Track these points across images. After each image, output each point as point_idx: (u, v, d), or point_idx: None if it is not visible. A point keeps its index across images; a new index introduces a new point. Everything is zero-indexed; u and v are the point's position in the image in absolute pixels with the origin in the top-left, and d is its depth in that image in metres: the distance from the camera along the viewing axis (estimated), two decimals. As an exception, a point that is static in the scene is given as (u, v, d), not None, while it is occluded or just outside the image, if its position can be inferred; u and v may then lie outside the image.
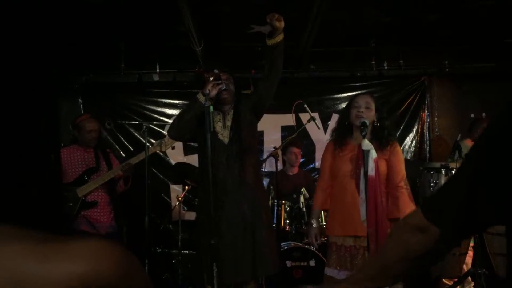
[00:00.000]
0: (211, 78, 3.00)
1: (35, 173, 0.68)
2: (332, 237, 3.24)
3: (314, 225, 3.39)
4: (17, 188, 0.64)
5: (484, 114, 6.16)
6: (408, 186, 3.13)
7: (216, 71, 3.04)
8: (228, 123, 3.16)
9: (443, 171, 4.37)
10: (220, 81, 3.02)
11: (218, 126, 3.13)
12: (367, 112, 3.10)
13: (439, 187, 1.81)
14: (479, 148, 0.97)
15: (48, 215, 0.70)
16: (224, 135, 3.12)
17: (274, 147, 5.08)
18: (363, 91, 6.19)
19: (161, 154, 5.72)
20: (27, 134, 0.69)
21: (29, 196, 0.67)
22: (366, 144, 2.95)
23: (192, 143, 5.29)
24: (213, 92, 2.99)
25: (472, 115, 6.19)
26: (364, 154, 2.94)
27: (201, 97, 3.03)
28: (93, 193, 4.06)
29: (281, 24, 2.95)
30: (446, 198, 1.01)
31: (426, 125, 6.34)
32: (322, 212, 4.12)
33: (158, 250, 5.22)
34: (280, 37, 3.00)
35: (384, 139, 3.11)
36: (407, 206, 3.02)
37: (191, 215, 5.63)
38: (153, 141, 5.80)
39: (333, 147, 3.28)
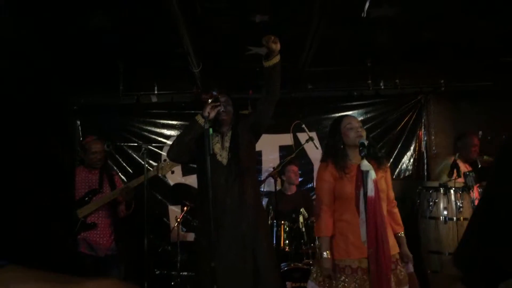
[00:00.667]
0: (210, 100, 3.01)
1: (52, 218, 0.69)
2: (346, 261, 3.06)
3: (326, 255, 3.03)
4: (31, 229, 0.65)
5: (480, 132, 6.18)
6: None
7: (214, 92, 3.05)
8: (227, 144, 3.17)
9: (441, 190, 4.38)
10: (218, 103, 3.04)
11: (217, 147, 3.14)
12: (363, 131, 3.12)
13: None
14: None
15: (60, 252, 0.70)
16: (222, 156, 3.13)
17: (273, 167, 5.08)
18: (360, 110, 6.27)
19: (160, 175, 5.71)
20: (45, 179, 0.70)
21: (44, 237, 0.67)
22: (365, 164, 2.94)
23: (190, 164, 5.29)
24: (212, 114, 3.01)
25: (469, 133, 6.22)
26: (363, 175, 2.93)
27: (200, 119, 3.04)
28: (93, 214, 4.07)
29: (277, 46, 2.97)
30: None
31: (423, 143, 6.35)
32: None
33: (157, 272, 5.17)
34: (276, 59, 3.02)
35: (380, 157, 3.13)
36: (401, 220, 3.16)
37: (190, 236, 5.60)
38: (152, 162, 5.83)
39: (333, 169, 3.18)
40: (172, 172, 4.44)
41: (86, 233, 4.02)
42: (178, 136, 3.28)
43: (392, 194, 3.17)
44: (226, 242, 2.97)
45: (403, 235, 3.13)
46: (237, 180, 3.07)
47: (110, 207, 4.14)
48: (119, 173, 5.92)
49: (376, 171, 3.01)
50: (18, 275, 0.56)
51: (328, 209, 3.11)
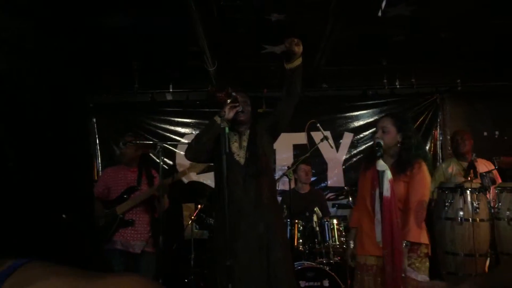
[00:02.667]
0: (229, 101, 3.01)
1: (73, 214, 0.70)
2: (360, 257, 3.18)
3: (352, 245, 3.38)
4: (53, 226, 0.66)
5: (497, 132, 6.13)
6: (422, 209, 2.95)
7: (233, 94, 3.04)
8: (244, 144, 3.17)
9: (458, 191, 4.34)
10: (237, 104, 3.04)
11: (234, 146, 3.14)
12: (384, 135, 3.06)
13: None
14: None
15: (82, 249, 0.71)
16: (240, 156, 3.13)
17: (288, 166, 5.08)
18: (375, 110, 6.24)
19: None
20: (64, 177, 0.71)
21: (65, 233, 0.68)
22: (381, 164, 2.93)
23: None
24: (230, 115, 3.01)
25: (485, 133, 6.17)
26: (379, 174, 2.92)
27: (218, 119, 3.05)
28: (131, 211, 4.13)
29: (299, 49, 2.99)
30: None
31: (438, 143, 6.31)
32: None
33: (171, 270, 5.20)
34: (298, 61, 3.05)
35: (406, 161, 2.99)
36: (412, 228, 2.89)
37: (203, 234, 5.62)
38: (167, 160, 5.87)
39: (362, 168, 3.30)
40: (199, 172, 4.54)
41: (124, 230, 4.09)
42: (196, 136, 3.28)
43: (410, 199, 2.96)
44: (242, 242, 2.97)
45: (404, 245, 2.89)
46: (254, 180, 3.07)
47: (147, 204, 4.20)
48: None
49: (397, 174, 2.98)
50: (40, 271, 0.57)
51: (357, 204, 3.38)
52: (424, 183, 3.00)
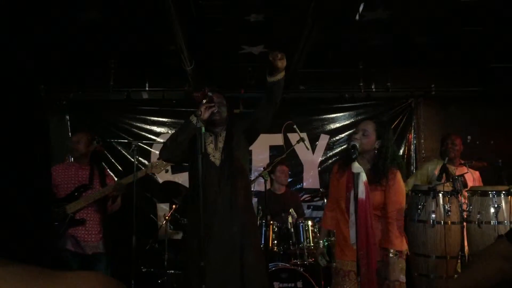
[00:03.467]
0: (204, 101, 2.98)
1: (28, 207, 0.68)
2: (338, 262, 3.18)
3: (320, 244, 3.48)
4: (9, 222, 0.64)
5: (469, 137, 6.24)
6: (401, 217, 3.04)
7: (210, 94, 3.00)
8: (220, 145, 3.13)
9: (431, 194, 4.40)
10: (213, 104, 3.01)
11: (210, 147, 3.11)
12: (363, 139, 3.06)
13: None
14: None
15: (39, 247, 0.70)
16: (215, 157, 3.09)
17: (264, 167, 5.09)
18: (351, 112, 6.30)
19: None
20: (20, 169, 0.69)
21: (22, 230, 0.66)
22: (356, 167, 2.95)
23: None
24: (206, 115, 2.97)
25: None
26: (354, 177, 2.94)
27: (194, 119, 3.01)
28: (82, 211, 4.00)
29: (282, 64, 2.94)
30: None
31: (412, 147, 6.40)
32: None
33: (144, 270, 5.14)
34: (280, 75, 3.01)
35: (381, 169, 3.01)
36: (394, 236, 2.95)
37: (177, 235, 5.57)
38: (141, 159, 5.80)
39: (336, 170, 3.27)
40: (166, 171, 4.40)
41: (74, 230, 3.95)
42: (171, 136, 3.24)
43: (389, 209, 3.00)
44: (215, 243, 2.94)
45: (392, 255, 2.93)
46: (229, 182, 3.03)
47: (99, 204, 4.08)
48: (109, 170, 5.88)
49: (372, 183, 3.01)
50: None
51: (329, 205, 3.35)
52: (400, 191, 3.06)
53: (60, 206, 3.95)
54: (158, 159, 4.07)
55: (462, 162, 4.83)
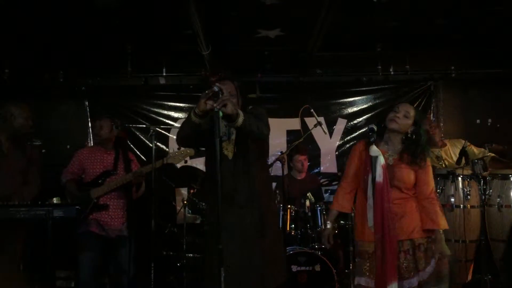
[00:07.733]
0: (206, 92, 2.68)
1: None
2: (359, 242, 3.19)
3: (329, 225, 3.37)
4: None
5: (490, 120, 6.15)
6: (437, 197, 3.20)
7: (216, 88, 2.62)
8: (233, 137, 3.02)
9: (450, 178, 4.37)
10: (216, 98, 2.63)
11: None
12: (404, 120, 3.04)
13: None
14: None
15: None
16: (228, 150, 3.01)
17: (281, 152, 5.09)
18: (368, 96, 6.24)
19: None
20: None
21: None
22: (374, 150, 2.94)
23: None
24: (201, 107, 2.72)
25: (478, 121, 6.18)
26: (372, 160, 2.93)
27: (193, 116, 2.81)
28: (106, 196, 4.09)
29: (227, 109, 2.57)
30: None
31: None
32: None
33: (164, 253, 5.20)
34: (240, 119, 2.69)
35: (418, 155, 3.04)
36: (440, 216, 2.98)
37: (196, 219, 5.62)
38: (160, 145, 5.86)
39: (362, 148, 3.18)
40: (185, 162, 4.44)
41: (98, 214, 4.04)
42: (181, 125, 3.07)
43: (426, 190, 3.04)
44: (234, 229, 2.88)
45: (438, 231, 3.00)
46: (243, 175, 2.95)
47: (122, 189, 4.15)
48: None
49: (406, 164, 3.02)
50: None
51: (345, 186, 3.32)
52: (431, 175, 3.13)
53: (85, 190, 4.07)
54: (178, 148, 4.07)
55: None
